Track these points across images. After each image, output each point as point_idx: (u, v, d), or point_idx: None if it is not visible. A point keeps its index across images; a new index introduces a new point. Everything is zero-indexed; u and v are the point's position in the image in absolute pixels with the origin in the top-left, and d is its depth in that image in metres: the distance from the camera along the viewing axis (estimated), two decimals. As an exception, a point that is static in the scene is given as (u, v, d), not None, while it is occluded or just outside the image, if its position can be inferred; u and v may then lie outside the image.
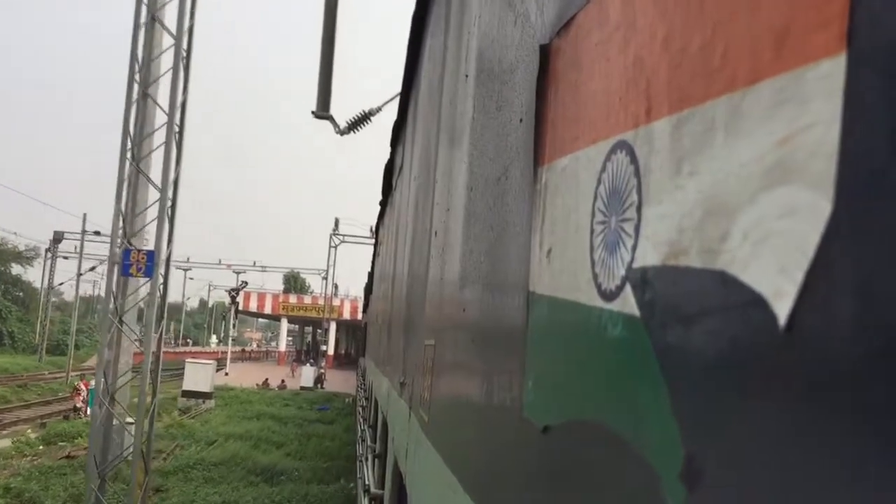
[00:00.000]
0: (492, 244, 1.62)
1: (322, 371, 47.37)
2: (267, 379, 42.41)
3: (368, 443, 7.96)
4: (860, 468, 0.45)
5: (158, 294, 10.91)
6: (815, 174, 0.51)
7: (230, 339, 56.90)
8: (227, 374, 45.13)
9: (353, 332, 79.39)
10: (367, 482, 6.85)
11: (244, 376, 45.29)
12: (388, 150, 8.60)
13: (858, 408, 0.45)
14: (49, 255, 58.66)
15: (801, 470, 0.50)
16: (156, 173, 11.22)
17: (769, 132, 0.56)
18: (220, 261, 72.26)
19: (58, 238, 55.85)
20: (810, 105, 0.52)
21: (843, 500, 0.46)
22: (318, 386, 43.50)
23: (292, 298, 66.17)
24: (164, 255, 11.10)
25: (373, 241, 37.65)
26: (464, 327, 1.93)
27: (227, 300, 54.94)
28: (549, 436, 1.03)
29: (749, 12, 0.60)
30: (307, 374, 43.40)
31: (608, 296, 0.85)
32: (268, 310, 63.71)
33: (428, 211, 3.33)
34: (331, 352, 62.61)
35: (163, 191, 11.01)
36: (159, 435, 17.74)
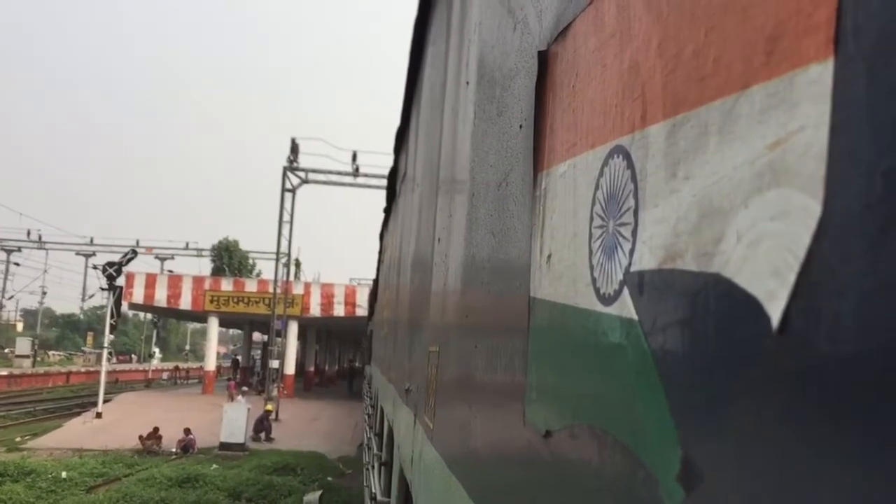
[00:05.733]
0: (493, 250, 1.63)
1: (269, 406, 26.85)
2: (157, 429, 22.10)
3: (374, 451, 7.96)
4: (853, 468, 0.45)
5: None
6: (806, 177, 0.51)
7: (105, 350, 31.74)
8: (98, 415, 27.29)
9: (335, 338, 56.09)
10: (373, 491, 6.85)
11: (130, 419, 26.38)
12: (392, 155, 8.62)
13: (850, 409, 0.46)
14: None
15: (796, 470, 0.50)
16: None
17: (761, 136, 0.57)
18: (137, 242, 49.43)
19: None
20: (800, 109, 0.53)
21: (838, 500, 0.46)
22: (263, 437, 24.10)
23: (226, 284, 39.02)
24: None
25: (351, 177, 31.94)
26: (467, 333, 1.94)
27: (105, 283, 31.77)
28: (551, 440, 1.04)
29: (740, 18, 0.61)
30: (234, 415, 22.03)
31: (607, 300, 0.85)
32: (185, 303, 38.03)
33: (431, 217, 3.34)
34: (289, 368, 37.30)
35: None
36: None
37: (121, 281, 32.89)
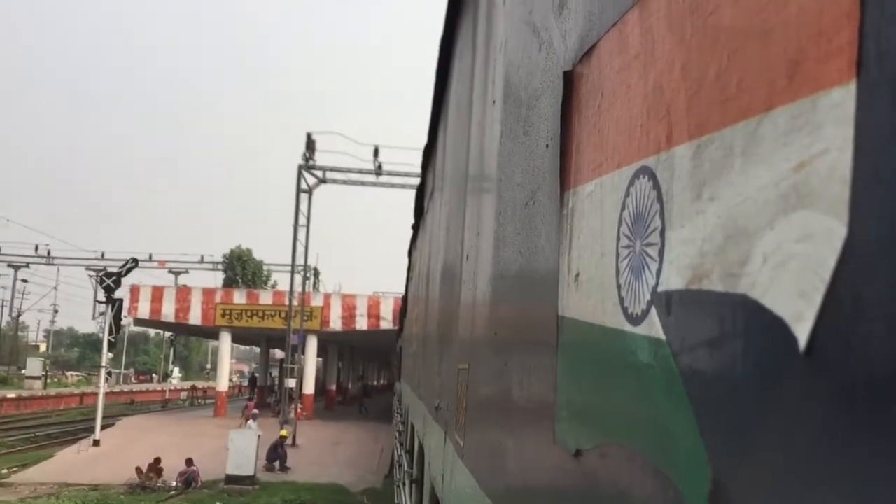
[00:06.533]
0: (521, 268, 1.64)
1: (285, 431, 23.39)
2: (158, 460, 19.59)
3: (405, 468, 7.95)
4: (883, 489, 0.45)
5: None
6: (830, 199, 0.52)
7: (103, 369, 28.22)
8: (95, 441, 24.61)
9: (358, 354, 52.16)
10: (404, 507, 6.84)
11: (130, 447, 23.67)
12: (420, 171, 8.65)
13: (878, 430, 0.46)
14: None
15: (824, 491, 0.50)
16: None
17: (785, 158, 0.57)
18: (150, 256, 48.10)
19: None
20: (823, 131, 0.53)
21: None
22: (277, 467, 21.28)
23: (239, 297, 35.87)
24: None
25: (374, 175, 28.56)
26: (496, 351, 1.94)
27: (102, 297, 28.75)
28: (582, 460, 1.04)
29: (762, 42, 0.62)
30: (242, 444, 19.11)
31: (634, 320, 0.86)
32: (195, 317, 34.67)
33: (459, 235, 3.36)
34: (309, 387, 34.40)
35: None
36: None
37: (122, 293, 30.15)
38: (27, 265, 51.43)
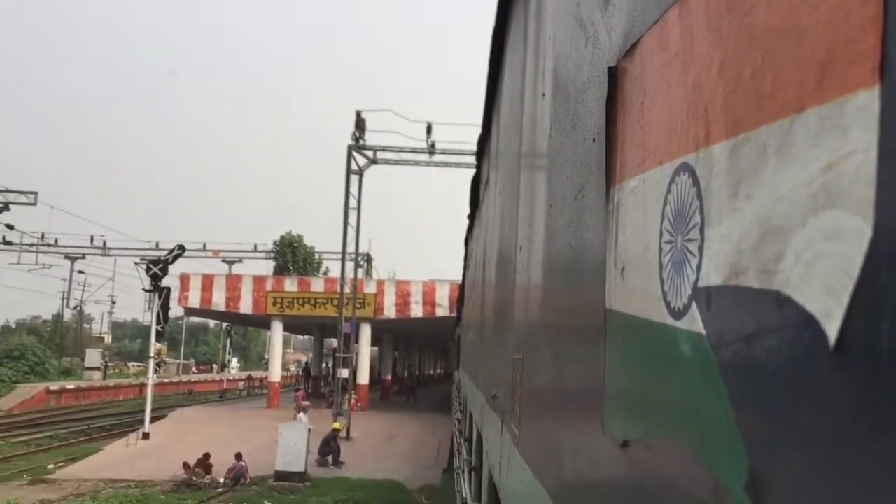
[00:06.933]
0: (571, 261, 1.65)
1: (338, 424, 22.17)
2: (207, 455, 18.64)
3: (464, 456, 8.02)
4: None
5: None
6: (857, 199, 0.53)
7: (151, 360, 27.95)
8: (144, 435, 24.04)
9: (414, 342, 50.81)
10: (464, 496, 6.91)
11: (180, 440, 23.21)
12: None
13: None
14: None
15: (853, 482, 0.52)
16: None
17: (815, 158, 0.59)
18: (203, 245, 47.17)
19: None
20: (850, 133, 0.54)
21: None
22: (330, 462, 20.12)
23: (290, 285, 34.87)
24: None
25: (427, 154, 26.33)
26: (548, 342, 1.96)
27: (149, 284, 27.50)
28: (629, 450, 1.06)
29: (794, 43, 0.63)
30: (292, 438, 18.06)
31: (677, 314, 0.87)
32: (245, 306, 34.19)
33: (513, 225, 3.38)
34: (363, 378, 33.90)
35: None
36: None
37: (168, 282, 29.02)
38: (83, 256, 50.78)
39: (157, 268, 27.12)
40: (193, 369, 74.55)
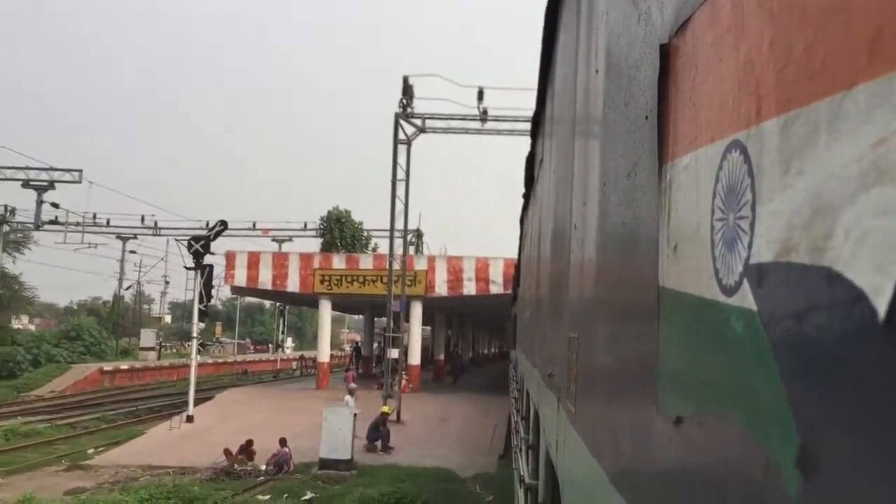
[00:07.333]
0: (624, 239, 1.65)
1: (387, 407, 21.20)
2: (250, 442, 17.94)
3: (522, 434, 8.06)
4: None
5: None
6: None
7: (195, 340, 26.79)
8: (188, 418, 23.47)
9: (468, 321, 49.95)
10: (521, 473, 6.95)
11: (225, 423, 22.76)
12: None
13: None
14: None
15: None
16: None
17: (865, 134, 0.59)
18: (253, 224, 46.15)
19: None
20: None
21: None
22: (379, 447, 19.34)
23: (338, 262, 33.75)
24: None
25: (479, 122, 25.24)
26: (602, 320, 1.97)
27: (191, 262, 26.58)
28: (682, 427, 1.07)
29: (844, 19, 0.63)
30: (337, 423, 17.02)
31: (728, 291, 0.88)
32: (293, 284, 33.22)
33: (567, 203, 3.37)
34: (414, 358, 32.77)
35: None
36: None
37: (211, 260, 27.81)
38: (134, 236, 50.35)
39: (198, 244, 26.18)
40: (249, 349, 75.15)
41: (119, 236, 50.40)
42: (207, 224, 41.74)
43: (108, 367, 42.56)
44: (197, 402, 25.11)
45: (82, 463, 18.18)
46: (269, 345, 70.21)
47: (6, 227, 43.01)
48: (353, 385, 23.67)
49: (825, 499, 0.63)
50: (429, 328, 42.93)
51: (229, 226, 30.31)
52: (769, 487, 0.74)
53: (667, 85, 1.23)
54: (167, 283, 61.63)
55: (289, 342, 66.78)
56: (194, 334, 26.64)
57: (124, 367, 44.54)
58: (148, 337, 53.19)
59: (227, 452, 17.62)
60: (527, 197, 10.56)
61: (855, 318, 0.59)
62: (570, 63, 3.40)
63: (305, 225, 49.48)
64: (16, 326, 58.99)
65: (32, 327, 68.59)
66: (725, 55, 0.93)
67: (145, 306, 75.61)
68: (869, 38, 0.58)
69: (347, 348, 68.44)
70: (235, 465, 17.15)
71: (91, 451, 20.03)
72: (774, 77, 0.77)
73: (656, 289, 1.24)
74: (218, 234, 27.28)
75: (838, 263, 0.62)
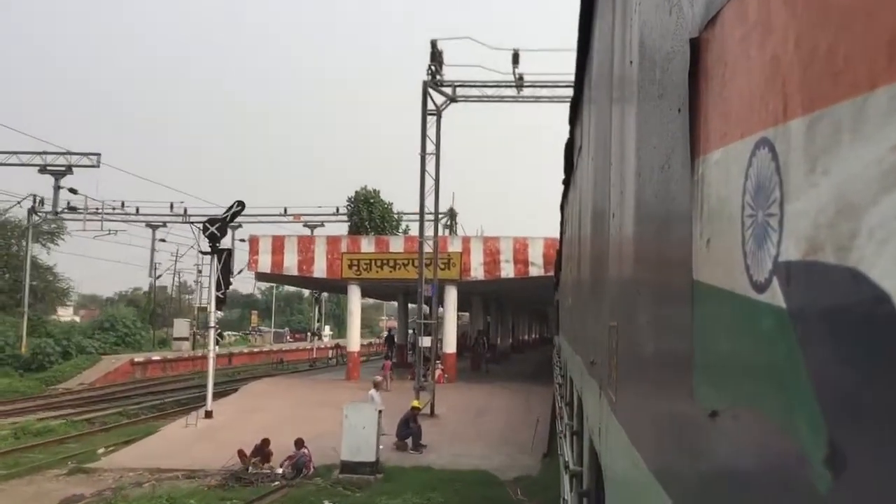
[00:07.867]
0: (659, 231, 1.66)
1: (417, 402, 19.23)
2: (266, 442, 16.07)
3: (566, 420, 8.06)
4: None
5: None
6: None
7: (213, 329, 24.24)
8: (207, 413, 21.56)
9: (508, 305, 45.77)
10: (566, 459, 6.96)
11: (245, 419, 21.06)
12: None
13: None
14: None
15: None
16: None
17: (885, 137, 0.59)
18: (284, 210, 44.06)
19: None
20: None
21: None
22: (410, 446, 17.56)
23: (366, 245, 31.33)
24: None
25: (514, 89, 22.69)
26: (640, 310, 1.97)
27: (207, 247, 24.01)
28: (716, 420, 1.08)
29: (866, 20, 0.63)
30: (359, 422, 14.91)
31: (759, 287, 0.88)
32: (319, 270, 30.72)
33: (605, 192, 3.36)
34: (450, 346, 30.49)
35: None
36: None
37: (228, 243, 25.99)
38: (164, 224, 48.22)
39: (214, 227, 23.48)
40: (287, 337, 73.73)
41: (149, 224, 48.83)
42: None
43: (139, 357, 41.31)
44: (225, 394, 23.64)
45: (86, 466, 16.76)
46: (308, 333, 67.04)
47: (35, 218, 41.86)
48: (378, 378, 22.21)
49: (855, 497, 0.64)
50: (466, 314, 40.76)
51: (260, 212, 28.17)
52: (801, 484, 0.75)
53: (698, 79, 1.23)
54: (199, 271, 58.17)
55: (327, 330, 64.57)
56: (211, 323, 24.35)
57: (156, 357, 43.22)
58: (182, 327, 51.58)
59: (240, 454, 15.95)
60: (566, 183, 10.51)
61: (879, 319, 0.60)
62: (607, 51, 3.38)
63: (338, 209, 47.31)
64: (63, 318, 57.67)
65: (77, 319, 68.05)
66: (753, 51, 0.93)
67: (186, 296, 74.87)
68: (888, 40, 0.59)
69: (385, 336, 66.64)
70: (249, 469, 15.56)
71: (101, 450, 18.72)
72: (800, 75, 0.77)
73: (690, 282, 1.25)
74: (235, 216, 24.94)
75: (863, 264, 0.63)
